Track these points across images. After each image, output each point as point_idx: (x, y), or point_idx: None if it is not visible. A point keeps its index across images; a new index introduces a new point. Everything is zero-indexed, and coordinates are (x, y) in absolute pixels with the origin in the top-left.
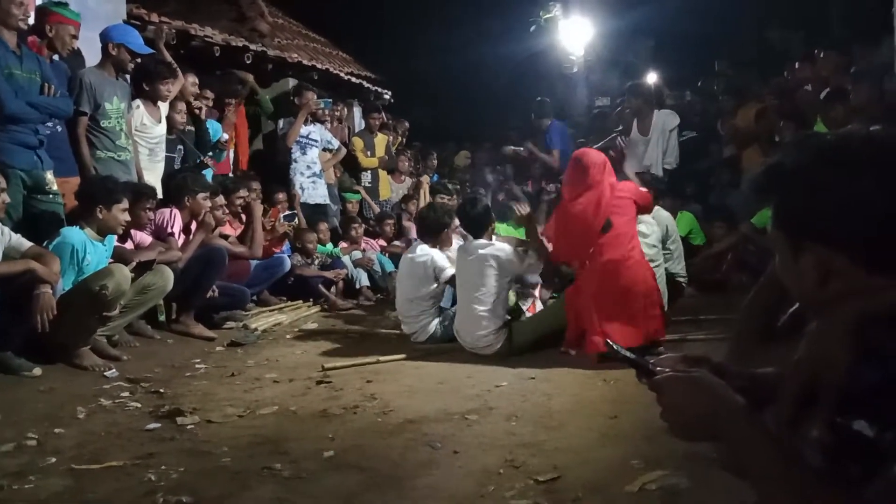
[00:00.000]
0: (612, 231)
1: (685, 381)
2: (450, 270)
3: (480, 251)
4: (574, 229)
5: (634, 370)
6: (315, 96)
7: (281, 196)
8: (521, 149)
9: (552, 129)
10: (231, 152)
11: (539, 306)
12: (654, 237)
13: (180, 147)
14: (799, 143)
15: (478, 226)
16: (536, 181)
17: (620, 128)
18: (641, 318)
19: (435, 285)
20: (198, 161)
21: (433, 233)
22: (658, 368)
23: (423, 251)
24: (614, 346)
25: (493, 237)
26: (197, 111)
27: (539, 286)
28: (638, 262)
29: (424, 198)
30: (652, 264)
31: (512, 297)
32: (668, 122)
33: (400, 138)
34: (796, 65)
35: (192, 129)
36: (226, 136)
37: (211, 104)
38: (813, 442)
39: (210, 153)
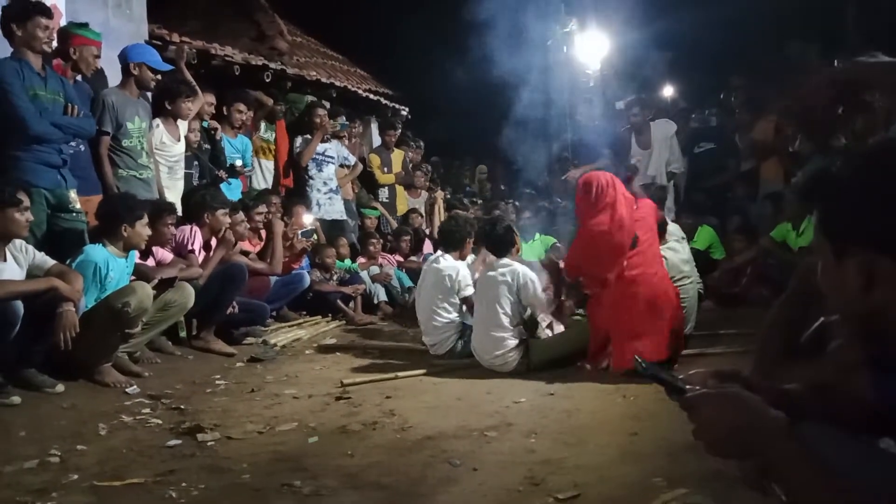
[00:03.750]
0: (640, 246)
1: (721, 398)
2: (469, 290)
3: (499, 271)
4: (600, 249)
5: (664, 388)
6: (326, 113)
7: (300, 210)
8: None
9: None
10: (271, 164)
11: (558, 327)
12: (686, 252)
13: (196, 163)
14: (844, 150)
15: (501, 246)
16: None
17: (607, 151)
18: (666, 331)
19: (456, 299)
20: (215, 175)
21: (457, 244)
22: (688, 386)
23: (450, 262)
24: (643, 364)
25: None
26: (213, 131)
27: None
28: (663, 278)
29: (440, 213)
30: (686, 280)
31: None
32: (668, 129)
33: (415, 156)
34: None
35: (209, 146)
36: (239, 162)
37: (244, 118)
38: None
39: (229, 171)
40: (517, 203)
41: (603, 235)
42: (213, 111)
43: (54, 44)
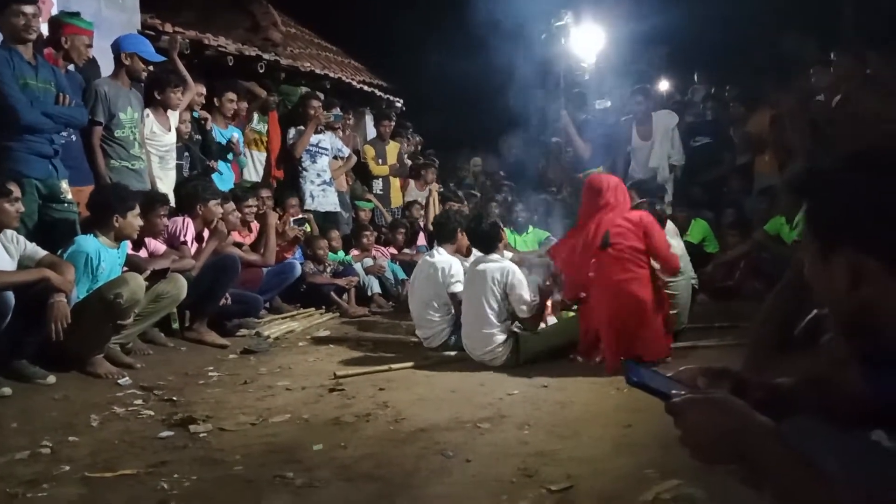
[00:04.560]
0: (612, 251)
1: (706, 403)
2: (458, 286)
3: (485, 267)
4: (577, 246)
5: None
6: (320, 105)
7: (292, 202)
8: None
9: None
10: (262, 156)
11: (551, 319)
12: (680, 248)
13: (187, 154)
14: (833, 152)
15: (486, 242)
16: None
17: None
18: (641, 338)
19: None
20: (206, 166)
21: (449, 235)
22: (674, 392)
23: (444, 256)
24: (630, 371)
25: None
26: (203, 121)
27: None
28: (640, 283)
29: (435, 205)
30: (681, 276)
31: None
32: (669, 121)
33: (415, 149)
34: (811, 70)
35: (199, 137)
36: (236, 136)
37: (235, 107)
38: None
39: (219, 159)
40: (510, 197)
41: (581, 233)
42: (204, 101)
43: (45, 31)
